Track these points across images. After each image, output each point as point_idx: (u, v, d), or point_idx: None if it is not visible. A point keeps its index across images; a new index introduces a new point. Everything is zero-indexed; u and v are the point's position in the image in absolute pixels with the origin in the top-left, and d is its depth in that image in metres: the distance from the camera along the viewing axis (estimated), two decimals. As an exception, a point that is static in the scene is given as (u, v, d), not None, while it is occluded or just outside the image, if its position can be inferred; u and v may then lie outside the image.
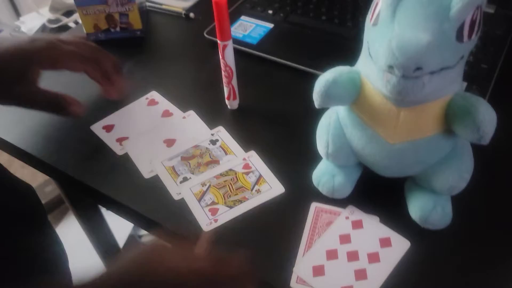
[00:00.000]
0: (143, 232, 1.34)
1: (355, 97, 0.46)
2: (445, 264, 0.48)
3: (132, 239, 1.31)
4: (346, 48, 0.67)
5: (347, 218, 0.52)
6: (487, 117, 0.40)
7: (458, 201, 0.49)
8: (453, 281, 0.46)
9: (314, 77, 0.47)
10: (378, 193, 0.53)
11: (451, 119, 0.43)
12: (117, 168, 0.59)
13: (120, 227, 1.27)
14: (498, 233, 0.50)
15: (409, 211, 0.50)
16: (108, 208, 0.64)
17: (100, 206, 0.99)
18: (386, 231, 0.50)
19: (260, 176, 0.57)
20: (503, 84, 0.63)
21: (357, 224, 0.51)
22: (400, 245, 0.49)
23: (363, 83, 0.46)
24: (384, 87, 0.40)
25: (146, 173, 0.58)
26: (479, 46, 0.67)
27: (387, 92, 0.40)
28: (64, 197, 0.94)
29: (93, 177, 0.58)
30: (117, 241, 1.16)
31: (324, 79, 0.45)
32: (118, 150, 0.61)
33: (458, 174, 0.46)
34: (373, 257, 0.48)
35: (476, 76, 0.63)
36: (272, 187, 0.55)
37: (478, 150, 0.47)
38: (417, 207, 0.49)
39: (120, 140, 0.62)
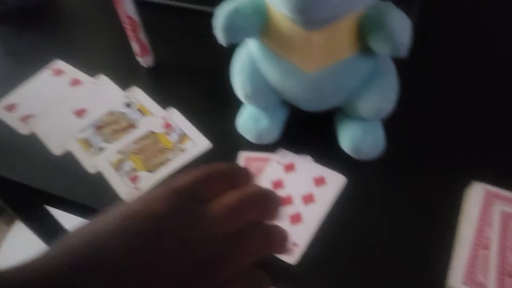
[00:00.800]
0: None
1: (262, 27, 0.42)
2: (382, 194, 0.45)
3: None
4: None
5: (278, 162, 0.48)
6: (399, 25, 0.37)
7: (389, 125, 0.46)
8: (391, 210, 0.44)
9: None
10: (308, 131, 0.50)
11: (365, 34, 0.39)
12: (24, 150, 0.52)
13: (70, 220, 1.21)
14: (431, 154, 0.47)
15: (340, 144, 0.47)
16: (21, 196, 0.58)
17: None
18: (319, 170, 0.47)
19: (183, 133, 0.52)
20: None
21: (289, 168, 0.47)
22: (335, 181, 0.46)
23: (269, 11, 0.41)
24: (284, 7, 0.35)
25: (57, 150, 0.52)
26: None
27: (288, 11, 0.36)
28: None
29: (-2, 165, 0.51)
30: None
31: (224, 11, 0.40)
32: (24, 129, 0.54)
33: (383, 95, 0.43)
34: (308, 199, 0.45)
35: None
36: (197, 144, 0.51)
37: (400, 69, 0.44)
38: (348, 137, 0.46)
39: (24, 119, 0.55)
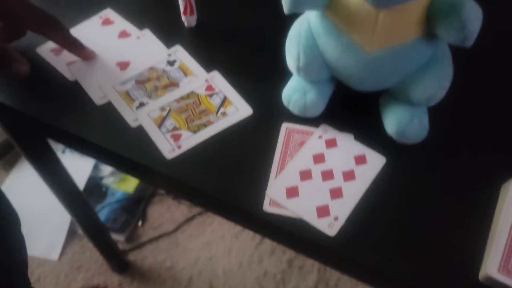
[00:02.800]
0: (104, 173, 1.28)
1: (329, 0, 0.41)
2: (420, 178, 0.46)
3: (92, 181, 1.26)
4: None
5: (320, 137, 0.49)
6: (473, 14, 0.37)
7: (434, 113, 0.47)
8: (428, 196, 0.45)
9: None
10: (352, 109, 0.50)
11: (434, 19, 0.39)
12: (68, 96, 0.52)
13: (78, 169, 1.21)
14: (475, 145, 0.48)
15: (384, 126, 0.47)
16: (60, 141, 0.58)
17: (55, 150, 0.92)
18: (361, 148, 0.48)
19: (225, 97, 0.52)
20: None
21: (330, 143, 0.48)
22: (376, 161, 0.47)
23: (337, -16, 0.41)
24: (363, -19, 0.35)
25: (98, 100, 0.52)
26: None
27: (366, -13, 0.36)
28: (12, 141, 0.86)
29: (40, 108, 0.51)
30: (77, 184, 1.10)
31: (294, -22, 0.40)
32: (70, 75, 0.54)
33: (438, 82, 0.43)
34: (348, 175, 0.46)
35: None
36: (239, 109, 0.51)
37: (454, 56, 0.44)
38: (394, 121, 0.46)
39: (70, 64, 0.54)
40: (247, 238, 1.20)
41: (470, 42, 0.38)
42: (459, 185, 0.45)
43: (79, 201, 0.98)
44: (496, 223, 0.41)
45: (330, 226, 0.43)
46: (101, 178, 1.27)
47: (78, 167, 1.23)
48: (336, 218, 0.43)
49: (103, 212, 1.21)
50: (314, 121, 0.49)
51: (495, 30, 0.56)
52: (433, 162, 0.47)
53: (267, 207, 0.44)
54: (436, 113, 0.47)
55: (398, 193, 0.45)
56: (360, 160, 0.47)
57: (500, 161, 0.46)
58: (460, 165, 0.47)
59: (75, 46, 0.53)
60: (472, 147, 0.48)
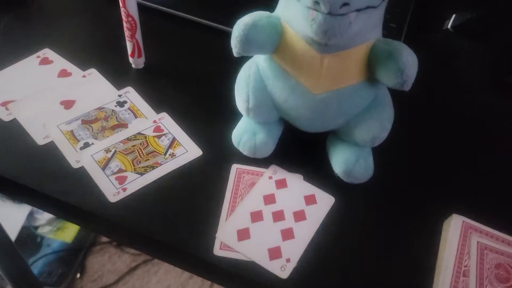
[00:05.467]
0: (39, 222, 1.19)
1: (276, 45, 0.43)
2: (369, 216, 0.47)
3: (26, 231, 1.17)
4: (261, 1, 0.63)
5: (270, 177, 0.49)
6: (410, 60, 0.39)
7: (378, 153, 0.49)
8: (377, 233, 0.46)
9: (226, 35, 0.42)
10: (301, 150, 0.51)
11: (374, 65, 0.41)
12: (4, 137, 0.49)
13: (10, 218, 1.12)
14: (418, 182, 0.50)
15: (332, 166, 0.49)
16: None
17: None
18: (310, 189, 0.48)
19: (174, 139, 0.51)
20: (411, 41, 0.64)
21: (281, 183, 0.48)
22: (325, 201, 0.47)
23: (284, 30, 0.43)
24: (309, 26, 0.37)
25: (40, 139, 0.49)
26: (387, 7, 0.68)
27: (312, 33, 0.38)
28: None
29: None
30: (8, 234, 1.02)
31: (243, 23, 0.41)
32: (4, 115, 0.51)
33: (380, 124, 0.45)
34: (299, 215, 0.46)
35: (386, 35, 0.63)
36: (188, 150, 0.50)
37: (394, 101, 0.47)
38: (340, 161, 0.47)
39: (6, 104, 0.52)
40: (195, 287, 1.15)
41: (408, 86, 0.40)
42: (404, 223, 0.47)
43: (9, 253, 0.90)
44: (441, 260, 0.43)
45: (282, 268, 0.42)
46: (36, 228, 1.19)
47: (10, 215, 1.14)
48: (288, 260, 0.42)
49: (36, 265, 1.12)
50: (264, 162, 0.50)
51: (429, 76, 0.61)
52: (379, 201, 0.48)
53: (218, 251, 0.43)
54: (380, 153, 0.49)
55: (347, 232, 0.46)
56: (310, 200, 0.47)
57: (441, 198, 0.49)
58: (404, 203, 0.48)
59: None
60: (414, 185, 0.50)
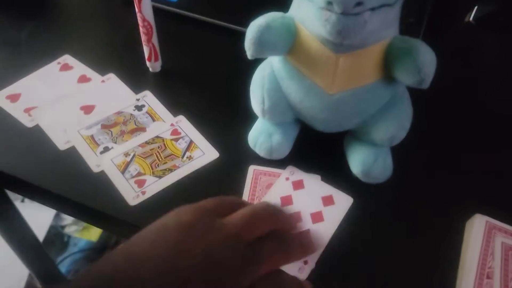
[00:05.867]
0: (65, 221, 1.23)
1: (291, 46, 0.43)
2: (388, 217, 0.46)
3: (53, 230, 1.20)
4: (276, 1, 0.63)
5: (287, 179, 0.48)
6: (427, 58, 0.39)
7: (397, 152, 0.48)
8: (397, 234, 0.45)
9: (241, 36, 0.42)
10: (317, 151, 0.51)
11: (391, 63, 0.41)
12: (27, 142, 0.51)
13: (38, 219, 1.16)
14: (439, 181, 0.49)
15: (350, 166, 0.48)
16: (18, 192, 0.55)
17: (13, 200, 0.88)
18: (328, 189, 0.48)
19: (191, 141, 0.51)
20: (430, 37, 0.63)
21: (298, 185, 0.48)
22: (343, 202, 0.47)
23: (298, 30, 0.42)
24: (323, 27, 0.37)
25: (61, 145, 0.50)
26: (404, 1, 0.66)
27: (326, 33, 0.37)
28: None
29: (-4, 156, 0.49)
30: (36, 235, 1.05)
31: (257, 25, 0.41)
32: (28, 121, 0.52)
33: (398, 123, 0.45)
34: (317, 217, 0.46)
35: (404, 31, 0.62)
36: (205, 153, 0.51)
37: (413, 98, 0.46)
38: (358, 161, 0.47)
39: (29, 110, 0.53)
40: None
41: (427, 84, 0.39)
42: (425, 224, 0.46)
43: (38, 254, 0.93)
44: (463, 261, 0.42)
45: (300, 271, 0.42)
46: (63, 227, 1.22)
47: (38, 216, 1.17)
48: (306, 262, 0.42)
49: (64, 264, 1.15)
50: (280, 163, 0.50)
51: (449, 72, 0.59)
52: (398, 201, 0.48)
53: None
54: (399, 153, 0.48)
55: (366, 233, 0.45)
56: (328, 201, 0.47)
57: (463, 197, 0.47)
58: (424, 203, 0.47)
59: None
60: (435, 184, 0.49)
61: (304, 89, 0.44)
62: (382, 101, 0.44)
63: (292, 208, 0.46)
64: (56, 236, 1.19)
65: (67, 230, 1.21)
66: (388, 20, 0.39)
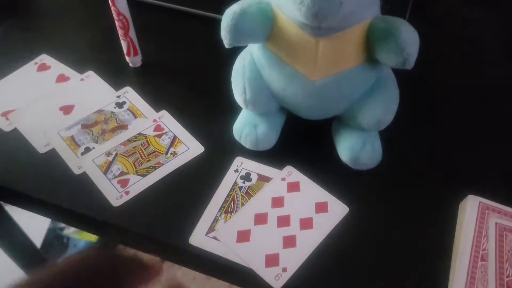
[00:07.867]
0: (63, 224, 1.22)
1: (269, 32, 0.41)
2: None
3: (52, 233, 1.19)
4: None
5: (283, 179, 0.46)
6: (410, 37, 0.37)
7: (386, 136, 0.46)
8: (389, 223, 0.44)
9: (220, 23, 0.40)
10: (304, 139, 0.49)
11: (372, 45, 0.39)
12: (5, 147, 0.49)
13: (36, 222, 1.14)
14: (426, 167, 0.48)
15: (338, 154, 0.47)
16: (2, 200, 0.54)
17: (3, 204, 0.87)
18: (323, 195, 0.45)
19: (175, 137, 0.50)
20: (417, 15, 0.61)
21: (293, 187, 0.45)
22: (338, 210, 0.44)
23: (275, 16, 0.40)
24: (298, 10, 0.35)
25: (41, 148, 0.49)
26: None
27: (301, 16, 0.35)
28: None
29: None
30: (34, 240, 1.04)
31: (231, 12, 0.39)
32: (5, 125, 0.51)
33: (385, 106, 0.43)
34: (306, 223, 0.43)
35: (390, 10, 0.60)
36: (189, 148, 0.49)
37: (400, 79, 0.44)
38: (346, 148, 0.45)
39: (6, 114, 0.52)
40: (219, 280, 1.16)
41: (410, 64, 0.38)
42: (417, 208, 0.45)
43: (36, 259, 0.92)
44: (457, 244, 0.40)
45: (276, 278, 0.39)
46: (61, 229, 1.21)
47: (35, 219, 1.16)
48: (284, 269, 0.40)
49: (64, 265, 1.15)
50: (265, 154, 0.48)
51: (438, 49, 0.58)
52: (388, 187, 0.46)
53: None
54: (388, 137, 0.47)
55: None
56: (321, 207, 0.44)
57: (455, 180, 0.46)
58: (416, 188, 0.46)
59: None
60: (426, 168, 0.47)
61: (286, 77, 0.42)
62: (367, 85, 0.43)
63: (282, 211, 0.44)
64: (55, 238, 1.18)
65: (66, 232, 1.20)
66: (366, 0, 0.37)
